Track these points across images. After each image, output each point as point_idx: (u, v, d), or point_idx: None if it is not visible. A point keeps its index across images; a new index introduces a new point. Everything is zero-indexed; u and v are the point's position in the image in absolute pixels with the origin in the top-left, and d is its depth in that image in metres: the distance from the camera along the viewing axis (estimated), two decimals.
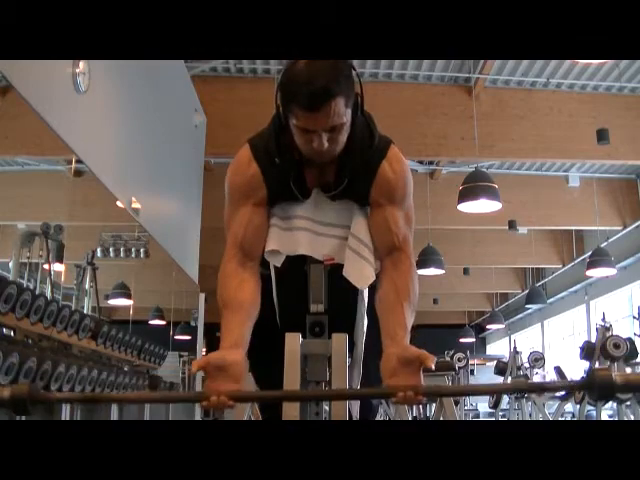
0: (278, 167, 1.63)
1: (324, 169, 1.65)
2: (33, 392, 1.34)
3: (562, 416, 7.62)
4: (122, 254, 7.61)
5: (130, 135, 4.36)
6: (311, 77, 1.45)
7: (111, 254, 7.57)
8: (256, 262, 1.66)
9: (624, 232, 9.17)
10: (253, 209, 1.66)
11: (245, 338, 1.53)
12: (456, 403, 5.96)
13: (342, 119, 1.50)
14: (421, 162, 8.38)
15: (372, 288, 1.71)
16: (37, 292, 4.02)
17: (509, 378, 8.02)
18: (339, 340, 1.59)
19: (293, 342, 1.58)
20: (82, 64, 3.21)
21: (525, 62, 6.64)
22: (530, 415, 7.91)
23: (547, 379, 10.96)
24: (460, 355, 9.22)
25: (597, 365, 5.78)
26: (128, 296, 9.66)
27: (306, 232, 1.69)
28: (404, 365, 1.42)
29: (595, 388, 1.28)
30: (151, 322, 12.26)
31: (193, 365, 1.43)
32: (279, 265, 1.70)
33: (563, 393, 6.68)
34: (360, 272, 1.66)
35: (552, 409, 7.42)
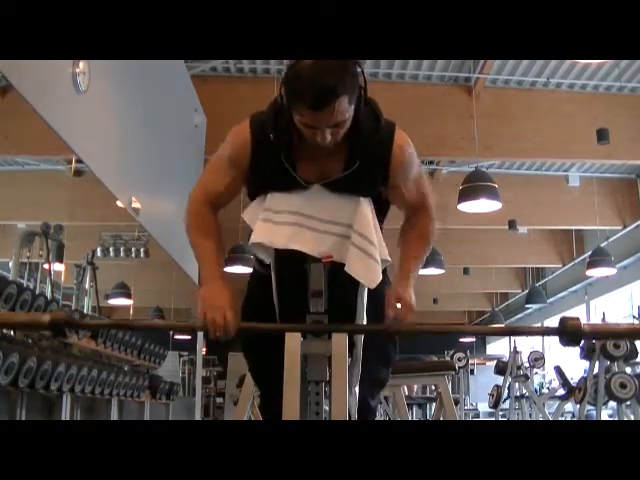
0: (272, 144, 1.66)
1: (327, 160, 1.67)
2: (69, 318, 1.60)
3: (562, 416, 7.62)
4: (122, 254, 7.62)
5: (130, 135, 4.36)
6: (316, 76, 1.47)
7: (111, 254, 7.58)
8: (219, 210, 1.82)
9: (624, 232, 9.15)
10: (236, 176, 1.76)
11: (222, 264, 1.78)
12: (456, 403, 5.96)
13: (345, 116, 1.54)
14: (421, 162, 8.37)
15: (371, 288, 1.72)
16: (37, 292, 4.03)
17: (509, 378, 8.01)
18: (339, 340, 1.59)
19: (293, 342, 1.58)
20: (82, 64, 3.21)
21: (525, 62, 6.62)
22: (530, 415, 7.91)
23: (547, 379, 10.97)
24: (460, 355, 9.20)
25: (597, 365, 5.77)
26: (128, 296, 9.67)
27: (302, 228, 1.69)
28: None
29: (565, 334, 1.51)
30: None
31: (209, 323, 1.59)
32: (268, 261, 1.73)
33: (563, 393, 6.69)
34: (368, 270, 1.67)
35: (552, 409, 7.41)
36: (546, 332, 1.72)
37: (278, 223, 1.69)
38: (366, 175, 1.69)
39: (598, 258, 8.36)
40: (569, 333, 1.51)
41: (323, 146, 1.59)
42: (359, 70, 1.57)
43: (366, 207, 1.72)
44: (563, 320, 1.53)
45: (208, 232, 1.74)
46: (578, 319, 1.53)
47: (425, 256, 1.84)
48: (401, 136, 1.74)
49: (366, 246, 1.68)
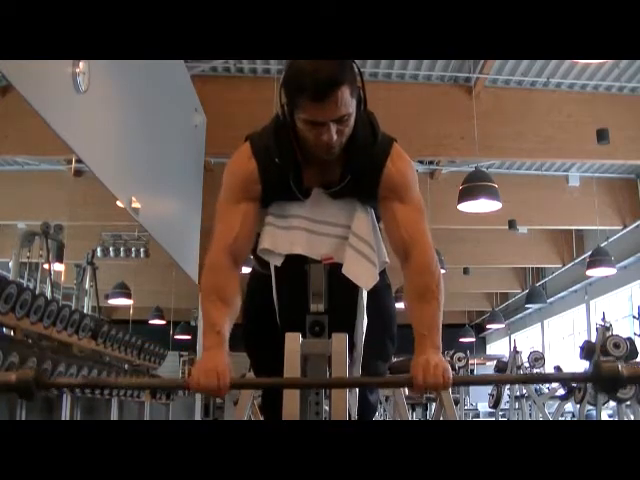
0: (278, 166, 1.63)
1: (326, 167, 1.66)
2: (39, 377, 1.34)
3: (562, 416, 7.62)
4: (122, 254, 7.60)
5: (130, 135, 4.36)
6: (316, 68, 1.46)
7: (111, 254, 7.57)
8: (242, 262, 1.67)
9: (624, 232, 9.16)
10: (248, 208, 1.65)
11: (228, 331, 1.55)
12: (456, 403, 5.96)
13: (349, 109, 1.51)
14: (421, 162, 8.37)
15: (367, 289, 1.72)
16: (37, 292, 4.02)
17: None
18: (339, 340, 1.59)
19: (293, 342, 1.58)
20: (82, 64, 3.21)
21: (525, 62, 6.63)
22: (530, 415, 7.91)
23: None
24: (460, 355, 9.21)
25: None
26: (128, 296, 9.66)
27: (303, 231, 1.69)
28: None
29: (601, 380, 1.31)
30: (151, 322, 12.27)
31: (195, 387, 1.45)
32: (279, 265, 1.71)
33: (563, 393, 6.69)
34: (363, 271, 1.67)
35: (552, 409, 7.41)
36: (578, 378, 1.51)
37: (281, 227, 1.69)
38: (359, 188, 1.67)
39: (598, 258, 8.36)
40: (605, 379, 1.31)
41: (327, 149, 1.55)
42: (357, 71, 1.55)
43: (365, 209, 1.71)
44: (597, 364, 1.34)
45: (220, 293, 1.57)
46: (615, 362, 1.33)
47: (439, 314, 1.56)
48: (398, 154, 1.67)
49: (362, 247, 1.67)
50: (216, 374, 1.43)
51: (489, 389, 8.52)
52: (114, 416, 4.85)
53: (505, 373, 8.01)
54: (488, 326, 15.67)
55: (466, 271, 11.79)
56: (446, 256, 8.51)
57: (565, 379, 1.62)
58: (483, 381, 1.91)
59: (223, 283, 1.59)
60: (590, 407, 5.92)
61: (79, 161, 4.76)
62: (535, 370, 8.66)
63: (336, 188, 1.67)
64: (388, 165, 1.65)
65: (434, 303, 1.57)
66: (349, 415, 1.62)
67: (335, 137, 1.52)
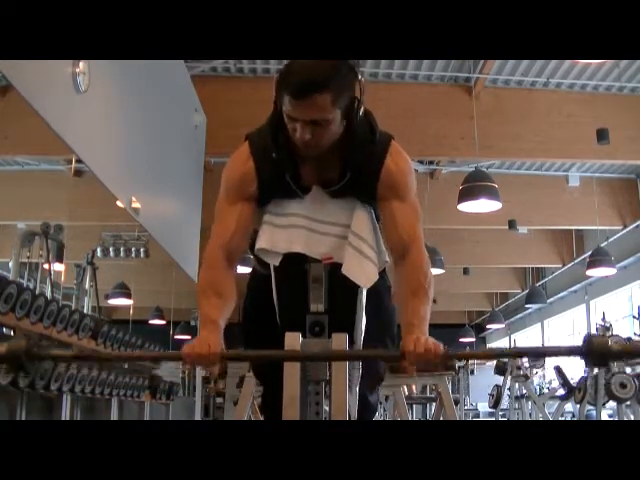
0: (275, 162, 1.64)
1: (324, 165, 1.66)
2: (29, 348, 1.32)
3: (562, 416, 7.62)
4: (122, 254, 7.61)
5: (130, 135, 4.36)
6: (305, 68, 1.50)
7: (111, 254, 7.57)
8: (237, 261, 1.72)
9: (624, 232, 9.15)
10: (243, 208, 1.68)
11: (223, 323, 1.61)
12: (456, 403, 5.97)
13: (326, 115, 1.52)
14: (421, 162, 8.36)
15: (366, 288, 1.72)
16: (37, 292, 4.02)
17: (509, 378, 8.01)
18: (339, 340, 1.59)
19: (293, 342, 1.58)
20: (82, 64, 3.21)
21: (525, 62, 6.62)
22: (530, 415, 7.90)
23: (547, 379, 10.97)
24: None
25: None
26: (128, 296, 9.67)
27: (303, 230, 1.69)
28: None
29: (592, 354, 1.35)
30: (151, 321, 12.28)
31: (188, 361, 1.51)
32: (277, 264, 1.71)
33: (563, 393, 6.69)
34: (362, 271, 1.67)
35: (552, 409, 7.41)
36: (570, 352, 1.54)
37: (279, 226, 1.69)
38: (359, 186, 1.68)
39: (598, 258, 8.35)
40: (596, 353, 1.34)
41: (305, 146, 1.57)
42: (359, 80, 1.55)
43: (364, 208, 1.71)
44: (588, 339, 1.36)
45: (216, 288, 1.62)
46: (605, 337, 1.37)
47: (428, 310, 1.65)
48: (396, 151, 1.69)
49: (362, 247, 1.68)
50: (207, 345, 1.49)
51: (489, 389, 8.51)
52: (114, 416, 4.85)
53: (505, 373, 8.00)
54: (488, 326, 15.66)
55: (466, 271, 11.78)
56: (446, 256, 8.50)
57: (558, 353, 1.63)
58: (477, 356, 1.91)
59: (219, 279, 1.64)
60: (590, 407, 5.91)
61: (79, 161, 4.77)
62: (535, 370, 8.66)
63: (336, 187, 1.67)
64: (387, 162, 1.66)
65: (425, 299, 1.64)
66: (349, 415, 1.62)
67: (307, 137, 1.54)
